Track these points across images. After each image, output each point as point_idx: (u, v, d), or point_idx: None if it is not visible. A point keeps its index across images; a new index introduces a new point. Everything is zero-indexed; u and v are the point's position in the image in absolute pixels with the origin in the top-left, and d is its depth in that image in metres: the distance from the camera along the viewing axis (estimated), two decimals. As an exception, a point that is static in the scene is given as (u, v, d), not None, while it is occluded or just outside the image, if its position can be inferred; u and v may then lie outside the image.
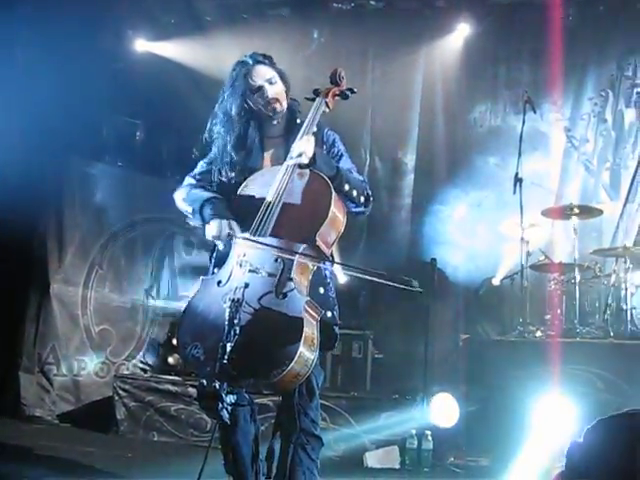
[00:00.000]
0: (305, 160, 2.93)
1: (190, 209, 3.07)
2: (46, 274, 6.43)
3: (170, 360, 6.64)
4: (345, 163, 3.20)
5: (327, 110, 3.17)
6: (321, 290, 2.96)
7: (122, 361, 6.83)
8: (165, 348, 6.85)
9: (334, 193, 2.91)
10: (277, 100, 3.12)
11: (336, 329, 3.01)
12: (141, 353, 6.97)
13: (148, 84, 7.65)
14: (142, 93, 7.59)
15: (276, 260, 2.81)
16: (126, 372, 6.67)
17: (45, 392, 6.29)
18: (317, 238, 2.85)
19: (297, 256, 2.79)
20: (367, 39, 8.21)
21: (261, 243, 2.82)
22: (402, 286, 2.69)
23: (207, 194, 3.07)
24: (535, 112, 6.45)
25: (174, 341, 6.76)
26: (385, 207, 8.26)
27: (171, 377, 6.18)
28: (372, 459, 5.02)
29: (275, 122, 3.19)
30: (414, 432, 5.02)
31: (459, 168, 7.83)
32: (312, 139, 3.00)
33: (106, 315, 6.81)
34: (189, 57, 7.91)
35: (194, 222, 3.09)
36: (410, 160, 8.36)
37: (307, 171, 2.97)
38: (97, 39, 7.12)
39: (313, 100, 3.19)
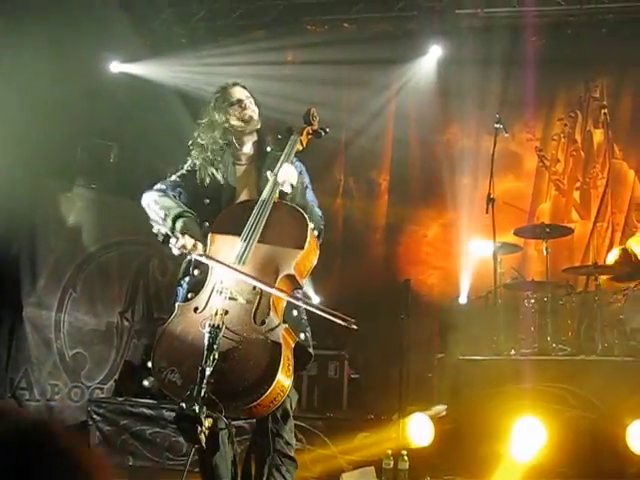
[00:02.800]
0: (289, 189, 3.06)
1: (162, 214, 3.09)
2: (19, 298, 6.35)
3: (145, 383, 6.57)
4: (309, 195, 3.32)
5: (300, 148, 3.30)
6: (294, 313, 3.03)
7: (96, 385, 6.77)
8: (140, 371, 6.78)
9: (310, 226, 3.00)
10: (253, 114, 3.32)
11: (310, 350, 3.09)
12: (116, 376, 6.91)
13: (123, 106, 7.65)
14: (116, 115, 7.59)
15: (254, 288, 2.85)
16: (101, 396, 6.60)
17: (17, 417, 6.19)
18: (293, 269, 2.91)
19: (274, 288, 2.85)
20: (341, 61, 8.31)
21: (241, 272, 2.86)
22: (340, 322, 2.75)
23: (182, 207, 3.13)
24: (506, 133, 6.56)
25: (149, 364, 6.70)
26: (360, 227, 8.33)
27: (146, 400, 6.11)
28: (349, 480, 5.01)
29: (245, 149, 3.35)
30: (390, 452, 5.01)
31: (432, 188, 7.92)
32: (293, 169, 3.13)
33: (80, 339, 6.74)
34: (163, 79, 7.94)
35: (157, 226, 3.09)
36: (384, 181, 8.44)
37: (283, 203, 3.08)
38: (71, 61, 7.11)
39: (287, 138, 3.31)
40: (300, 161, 3.37)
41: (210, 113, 3.31)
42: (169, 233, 3.02)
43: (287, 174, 3.08)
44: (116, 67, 8.16)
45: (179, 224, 3.02)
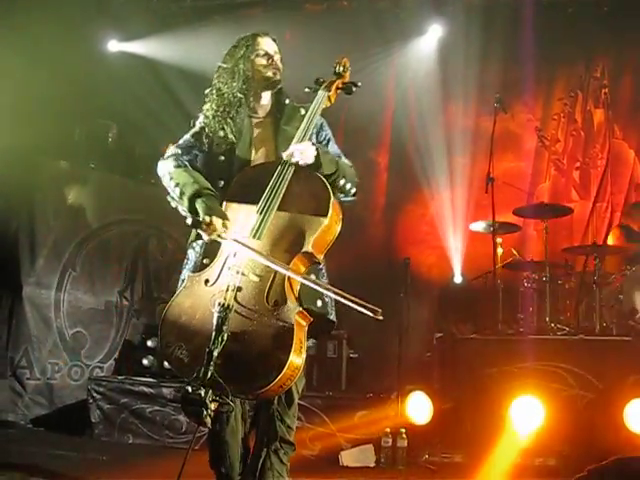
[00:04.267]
0: (310, 160, 2.86)
1: (178, 192, 2.93)
2: (18, 277, 6.35)
3: (145, 362, 6.60)
4: (332, 147, 3.15)
5: (328, 104, 3.10)
6: (312, 277, 2.82)
7: (96, 364, 6.79)
8: (140, 350, 6.81)
9: (333, 198, 2.80)
10: (278, 71, 3.14)
11: (330, 317, 2.94)
12: (115, 355, 6.93)
13: (121, 85, 7.61)
14: (115, 94, 7.55)
15: (268, 266, 2.68)
16: (101, 375, 6.63)
17: (18, 396, 6.21)
18: (311, 247, 2.73)
19: (290, 269, 2.68)
20: (340, 39, 8.24)
21: (257, 252, 2.69)
22: (367, 312, 2.55)
23: (200, 182, 2.93)
24: (506, 112, 6.52)
25: (149, 343, 6.74)
26: (359, 207, 8.30)
27: (146, 379, 6.13)
28: (347, 458, 5.04)
29: (263, 102, 3.17)
30: (389, 430, 5.05)
31: (432, 168, 7.90)
32: (310, 144, 2.93)
33: (80, 318, 6.74)
34: (161, 58, 7.90)
35: (174, 203, 2.96)
36: (383, 160, 8.41)
37: (305, 172, 2.86)
38: (69, 40, 7.06)
39: (313, 91, 3.12)
40: (319, 115, 3.13)
41: (236, 60, 3.12)
42: (186, 214, 2.85)
43: (302, 155, 2.86)
44: (114, 46, 8.11)
45: (200, 206, 2.83)
